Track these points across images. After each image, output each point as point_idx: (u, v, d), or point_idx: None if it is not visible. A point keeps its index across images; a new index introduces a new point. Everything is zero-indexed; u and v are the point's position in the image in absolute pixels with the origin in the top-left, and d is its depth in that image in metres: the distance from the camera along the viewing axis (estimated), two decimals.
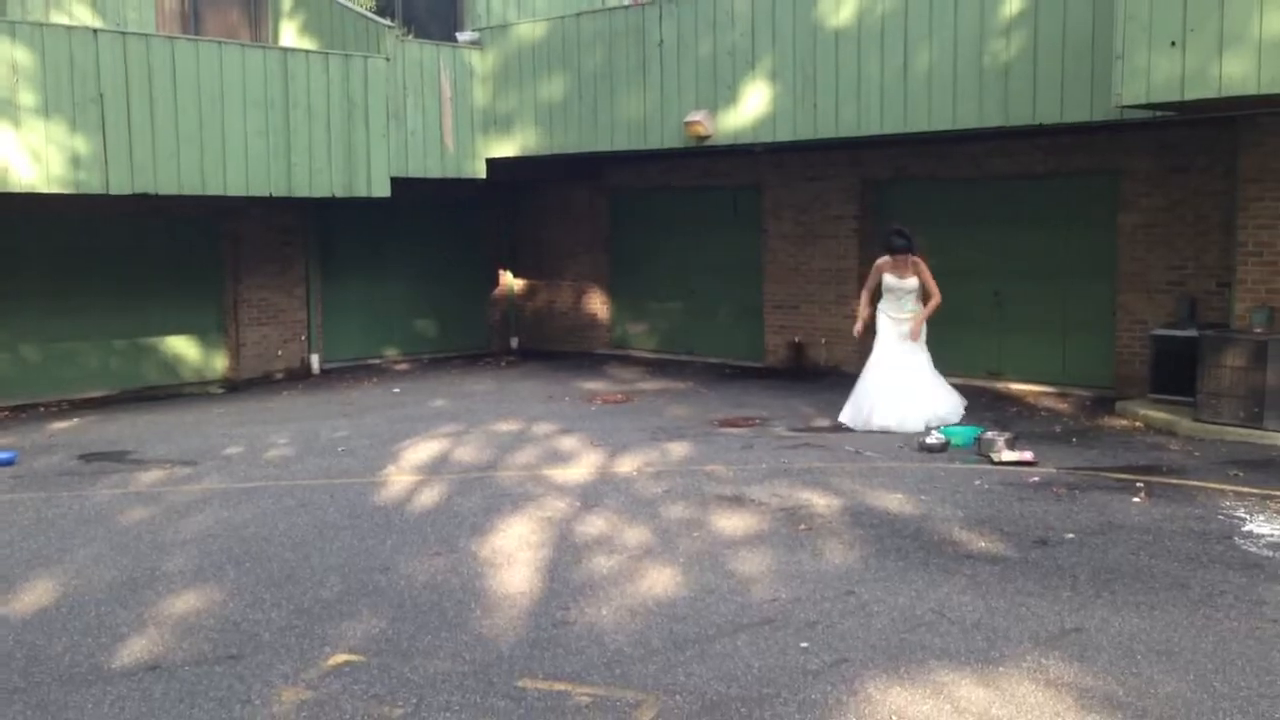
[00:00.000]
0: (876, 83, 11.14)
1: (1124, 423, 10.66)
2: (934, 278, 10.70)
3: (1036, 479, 8.41)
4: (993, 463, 8.92)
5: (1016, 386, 12.68)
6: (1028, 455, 8.96)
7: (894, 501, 7.80)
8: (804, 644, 5.30)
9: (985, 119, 10.56)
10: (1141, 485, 8.11)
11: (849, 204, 14.04)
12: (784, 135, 11.97)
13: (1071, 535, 6.94)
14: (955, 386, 11.19)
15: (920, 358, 10.67)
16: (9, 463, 9.55)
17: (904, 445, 9.69)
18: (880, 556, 6.61)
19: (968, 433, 9.74)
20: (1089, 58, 9.85)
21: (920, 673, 4.96)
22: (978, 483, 8.32)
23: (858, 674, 4.95)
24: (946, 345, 13.25)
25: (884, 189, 14.00)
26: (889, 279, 10.70)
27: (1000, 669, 4.98)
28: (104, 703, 4.78)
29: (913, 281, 10.68)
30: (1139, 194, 11.77)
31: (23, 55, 10.84)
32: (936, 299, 10.62)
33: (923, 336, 10.72)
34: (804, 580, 6.22)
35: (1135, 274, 11.81)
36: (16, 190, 10.96)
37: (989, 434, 9.36)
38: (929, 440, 9.53)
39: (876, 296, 10.97)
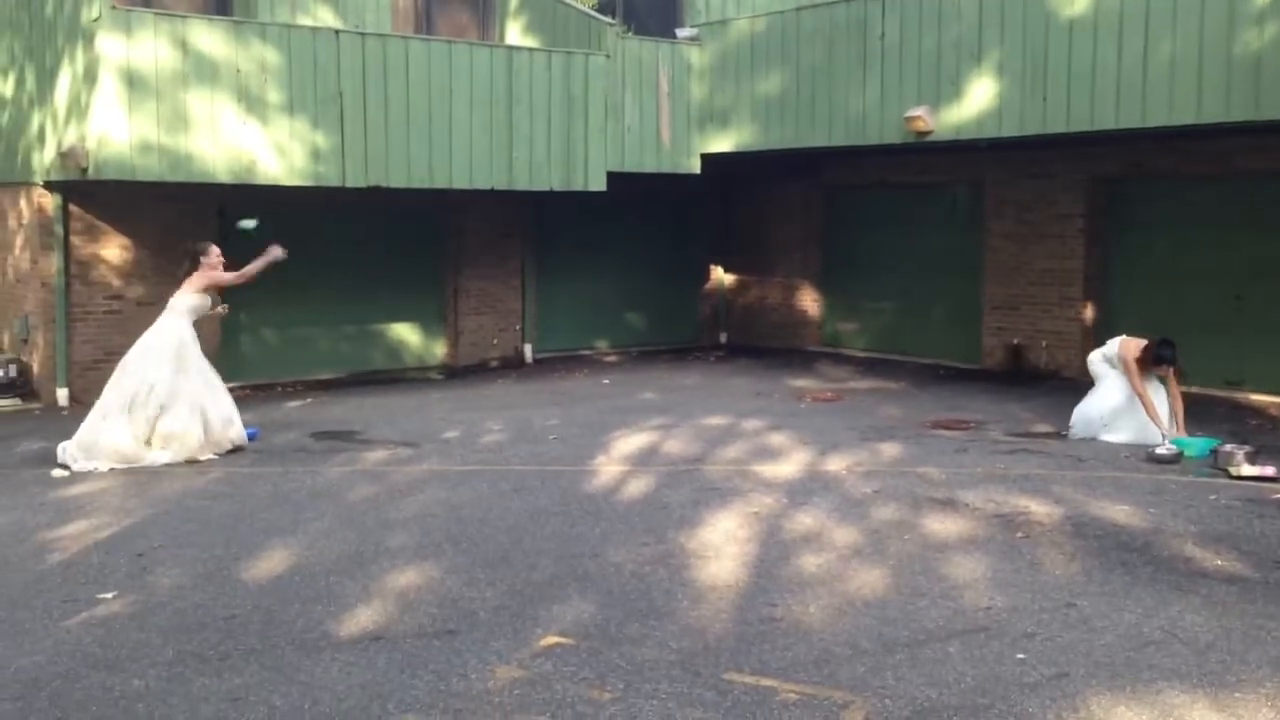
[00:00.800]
0: (1113, 74, 10.61)
1: None
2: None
3: (1279, 496, 7.85)
4: (1230, 477, 8.38)
5: (1258, 397, 11.87)
6: (1270, 470, 8.38)
7: (1120, 513, 7.42)
8: (1021, 655, 5.11)
9: (1233, 112, 9.92)
10: None
11: (1077, 202, 13.44)
12: (1010, 130, 11.57)
13: None
14: (1191, 395, 10.56)
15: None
16: (252, 438, 10.17)
17: (1130, 455, 9.22)
18: (1104, 570, 6.30)
19: (1202, 445, 9.19)
20: None
21: (1149, 693, 4.70)
22: (1213, 497, 7.83)
23: (1079, 690, 4.73)
24: (1184, 353, 12.56)
25: (1115, 186, 13.35)
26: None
27: (1236, 694, 4.67)
28: (333, 668, 5.02)
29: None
30: None
31: (271, 55, 11.51)
32: (1180, 403, 9.92)
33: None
34: (1021, 589, 5.99)
35: None
36: (263, 182, 11.66)
37: (1227, 447, 8.81)
38: (1159, 451, 9.04)
39: None
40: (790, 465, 8.97)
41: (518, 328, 15.75)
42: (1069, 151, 13.30)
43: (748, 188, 17.40)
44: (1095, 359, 10.32)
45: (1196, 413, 10.70)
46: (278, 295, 13.92)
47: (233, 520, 7.45)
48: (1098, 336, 13.29)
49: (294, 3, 13.84)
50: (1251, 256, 12.18)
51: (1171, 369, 9.87)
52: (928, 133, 12.17)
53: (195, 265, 9.63)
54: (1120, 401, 9.90)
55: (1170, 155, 12.61)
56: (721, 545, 6.81)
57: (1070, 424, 10.13)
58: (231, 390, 13.10)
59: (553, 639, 5.34)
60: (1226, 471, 8.49)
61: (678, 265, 17.41)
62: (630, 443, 9.91)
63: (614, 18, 14.94)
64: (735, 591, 6.00)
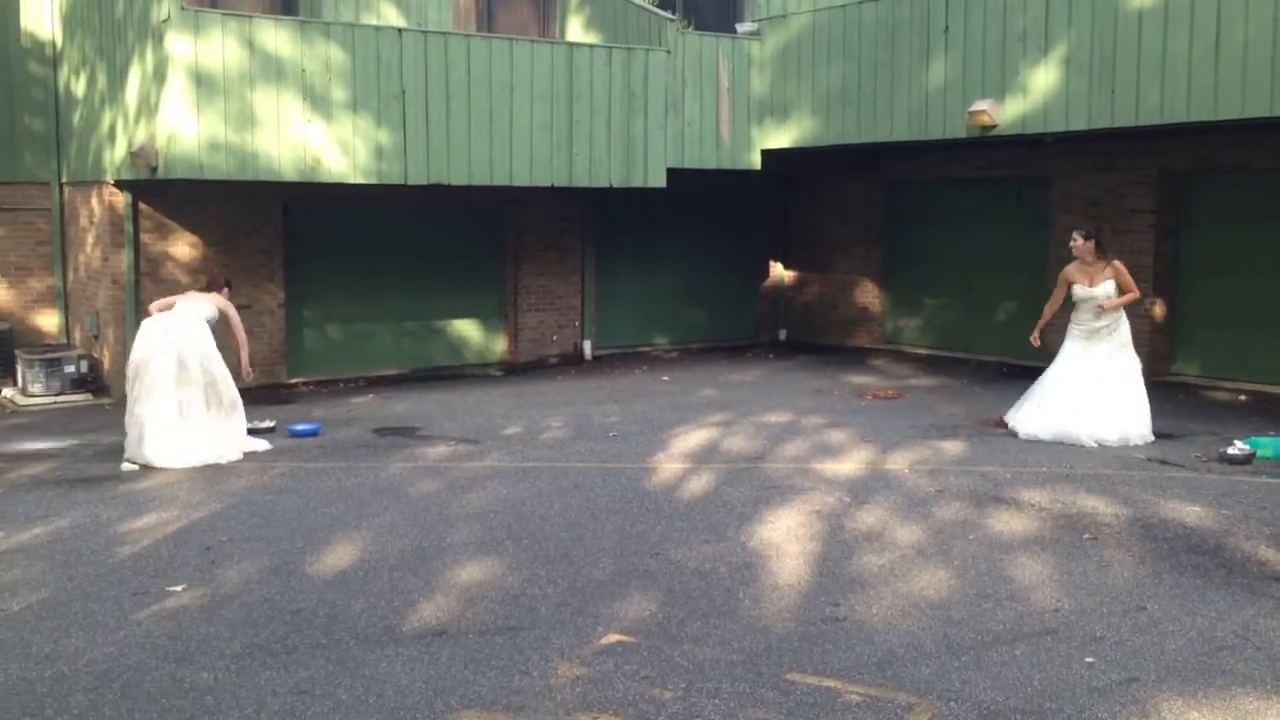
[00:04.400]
0: (1184, 65, 10.39)
1: None
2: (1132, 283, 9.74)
3: None
4: None
5: None
6: None
7: (1190, 514, 7.28)
8: (1089, 659, 5.02)
9: None
10: None
11: (1146, 197, 13.19)
12: (1077, 124, 11.36)
13: None
14: (1265, 394, 10.33)
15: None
16: (314, 434, 10.31)
17: (1200, 455, 9.04)
18: (1175, 572, 6.18)
19: (1277, 445, 8.98)
20: None
21: (1221, 699, 4.60)
22: None
23: (1150, 695, 4.65)
24: (1254, 349, 12.32)
25: (1186, 180, 13.08)
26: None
27: None
28: (397, 663, 5.07)
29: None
30: None
31: (336, 54, 11.62)
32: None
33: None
34: (1089, 591, 5.90)
35: None
36: (328, 180, 11.78)
37: None
38: (1231, 451, 8.85)
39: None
40: (851, 463, 8.90)
41: (577, 324, 15.78)
42: (1139, 144, 13.06)
43: (808, 183, 17.30)
44: None
45: (1270, 412, 10.49)
46: (341, 292, 14.10)
47: (298, 515, 7.54)
48: (1168, 334, 13.08)
49: (358, 2, 13.97)
50: None
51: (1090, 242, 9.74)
52: (992, 127, 12.00)
53: (213, 288, 10.10)
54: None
55: (1242, 148, 12.33)
56: (783, 544, 6.78)
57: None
58: (295, 386, 13.38)
59: (614, 637, 5.34)
60: None
61: (737, 261, 17.36)
62: (690, 440, 9.89)
63: (674, 13, 14.90)
64: (797, 591, 5.97)
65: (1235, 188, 12.64)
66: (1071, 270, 9.90)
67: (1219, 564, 6.31)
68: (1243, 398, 10.73)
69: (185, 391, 9.22)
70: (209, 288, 10.12)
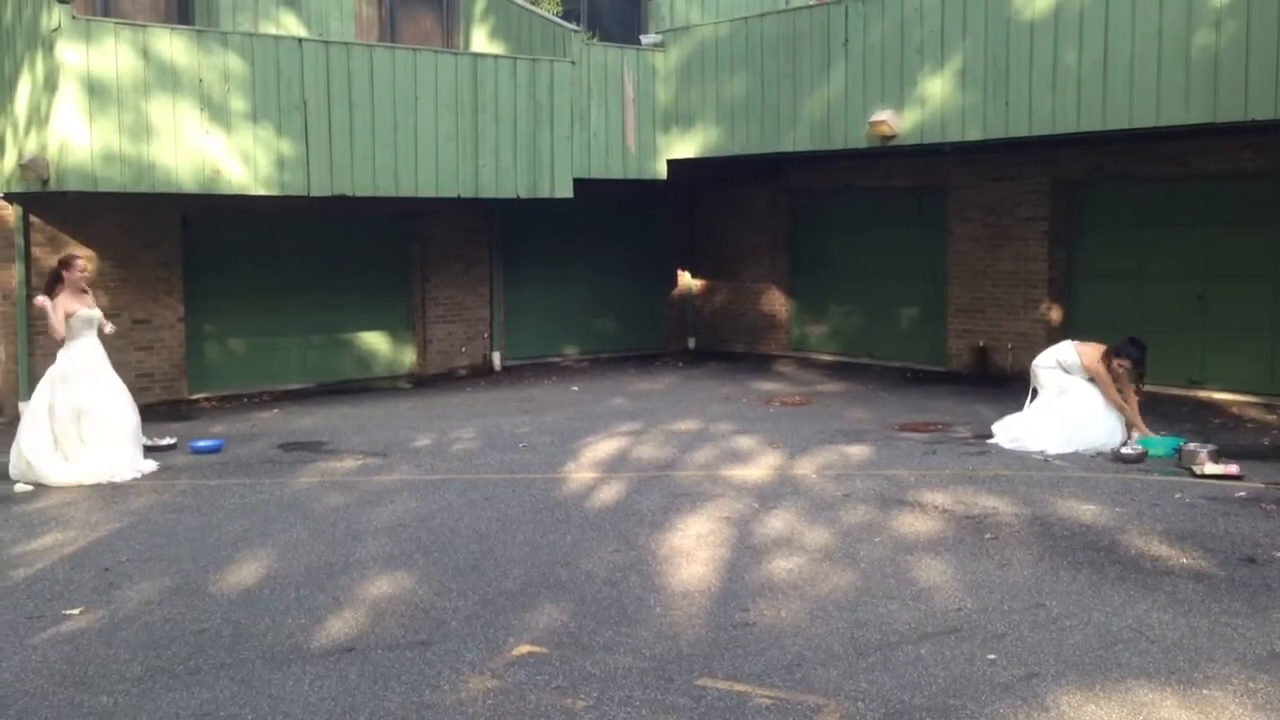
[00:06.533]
0: (1074, 77, 10.71)
1: None
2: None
3: (1243, 494, 7.95)
4: (1194, 476, 8.48)
5: (1220, 396, 12.02)
6: (1233, 469, 8.48)
7: (1087, 513, 7.49)
8: (991, 656, 5.14)
9: (1192, 115, 10.04)
10: None
11: (1040, 205, 13.56)
12: (973, 134, 11.65)
13: None
14: (1154, 395, 10.67)
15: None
16: (217, 450, 10.10)
17: (1097, 455, 9.31)
18: (1073, 569, 6.36)
19: (1167, 444, 9.30)
20: None
21: (1118, 691, 4.75)
22: (1178, 496, 7.92)
23: (1049, 689, 4.77)
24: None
25: (1078, 189, 13.48)
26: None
27: (1204, 691, 4.73)
28: (304, 681, 4.99)
29: None
30: None
31: (235, 64, 11.43)
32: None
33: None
34: (990, 590, 6.04)
35: None
36: (228, 191, 11.57)
37: (1190, 445, 8.92)
38: (1125, 450, 9.13)
39: None
40: (760, 469, 8.99)
41: (486, 335, 15.71)
42: (1032, 154, 13.43)
43: (714, 192, 17.45)
44: (1045, 366, 9.99)
45: (1160, 412, 10.85)
46: (244, 305, 13.84)
47: (200, 533, 7.38)
48: (1062, 338, 13.44)
49: (257, 11, 13.75)
50: (1211, 258, 12.34)
51: (1136, 368, 9.78)
52: (892, 137, 12.24)
53: (59, 280, 9.24)
54: (1086, 411, 9.64)
55: (1130, 157, 12.76)
56: (693, 550, 6.82)
57: (1014, 435, 9.83)
58: (197, 402, 13.10)
59: (525, 648, 5.33)
60: (1191, 470, 8.59)
61: (645, 270, 17.43)
62: (600, 449, 9.90)
63: (578, 25, 14.94)
64: (707, 596, 6.01)
65: (1125, 196, 13.06)
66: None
67: (1114, 560, 6.50)
68: (1137, 399, 11.05)
69: (71, 408, 8.98)
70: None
